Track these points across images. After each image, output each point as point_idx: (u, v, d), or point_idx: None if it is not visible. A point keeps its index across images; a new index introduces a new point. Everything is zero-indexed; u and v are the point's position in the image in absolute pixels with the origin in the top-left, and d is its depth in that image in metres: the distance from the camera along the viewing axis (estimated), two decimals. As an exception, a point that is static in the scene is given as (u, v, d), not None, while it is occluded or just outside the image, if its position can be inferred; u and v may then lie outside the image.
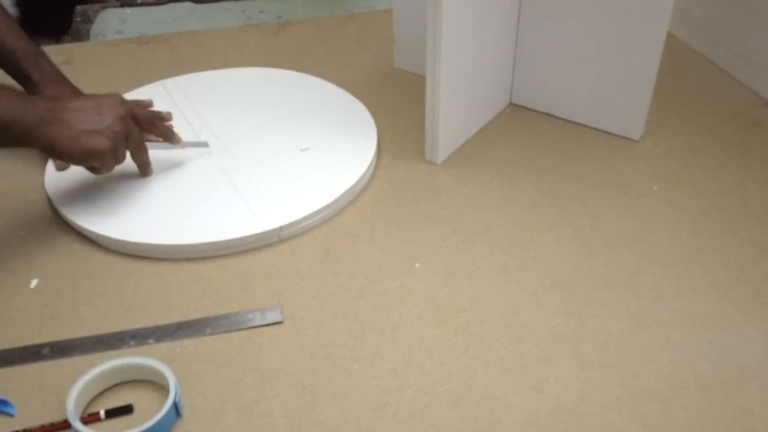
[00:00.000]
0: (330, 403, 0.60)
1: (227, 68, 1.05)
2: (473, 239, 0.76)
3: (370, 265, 0.73)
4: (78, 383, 0.58)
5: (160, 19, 1.33)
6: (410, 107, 0.97)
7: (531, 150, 0.89)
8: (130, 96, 0.97)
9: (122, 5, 1.37)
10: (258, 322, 0.67)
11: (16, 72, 0.85)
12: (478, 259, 0.74)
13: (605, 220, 0.78)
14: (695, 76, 1.04)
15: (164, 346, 0.65)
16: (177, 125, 0.91)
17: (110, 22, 1.31)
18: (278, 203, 0.78)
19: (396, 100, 0.99)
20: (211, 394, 0.61)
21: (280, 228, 0.75)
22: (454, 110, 0.86)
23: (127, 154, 0.77)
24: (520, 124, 0.94)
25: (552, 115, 0.95)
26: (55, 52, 1.01)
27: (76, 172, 0.84)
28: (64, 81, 0.87)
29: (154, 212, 0.77)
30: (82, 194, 0.80)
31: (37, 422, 0.58)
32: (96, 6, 1.37)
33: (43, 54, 0.87)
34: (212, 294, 0.70)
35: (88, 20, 1.32)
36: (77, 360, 0.64)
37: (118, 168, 0.76)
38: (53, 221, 0.79)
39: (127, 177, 0.82)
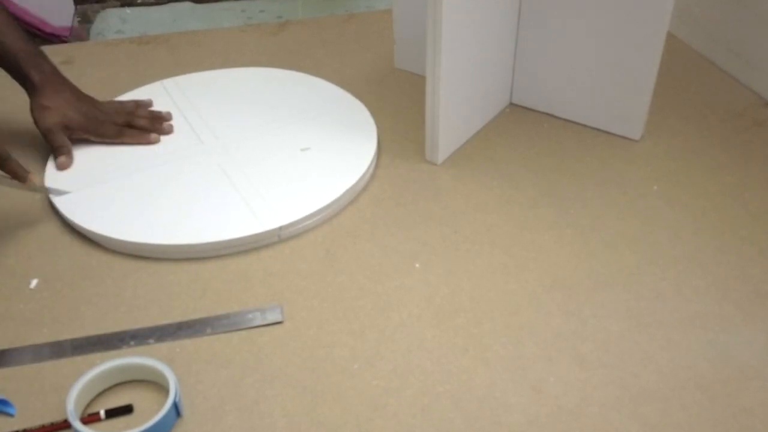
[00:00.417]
0: (330, 403, 0.60)
1: (227, 68, 1.05)
2: (473, 239, 0.76)
3: (370, 265, 0.73)
4: (78, 383, 0.58)
5: (160, 19, 1.33)
6: (410, 107, 0.97)
7: (531, 150, 0.89)
8: (130, 96, 0.97)
9: (122, 5, 1.37)
10: (258, 322, 0.67)
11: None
12: (478, 259, 0.74)
13: (605, 220, 0.78)
14: (695, 76, 1.04)
15: (164, 346, 0.65)
16: (177, 125, 0.92)
17: (110, 22, 1.31)
18: (278, 203, 0.78)
19: (396, 100, 0.99)
20: (211, 394, 0.61)
21: (280, 228, 0.75)
22: (454, 110, 0.86)
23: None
24: (520, 124, 0.94)
25: (552, 115, 0.95)
26: (55, 52, 1.01)
27: (77, 172, 0.84)
28: (63, 81, 0.87)
29: (154, 212, 0.77)
30: (83, 194, 0.80)
31: (37, 422, 0.58)
32: (96, 6, 1.37)
33: (43, 54, 0.87)
34: (212, 294, 0.70)
35: (89, 20, 1.32)
36: (77, 360, 0.63)
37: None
38: (53, 221, 0.79)
39: (127, 177, 0.82)
